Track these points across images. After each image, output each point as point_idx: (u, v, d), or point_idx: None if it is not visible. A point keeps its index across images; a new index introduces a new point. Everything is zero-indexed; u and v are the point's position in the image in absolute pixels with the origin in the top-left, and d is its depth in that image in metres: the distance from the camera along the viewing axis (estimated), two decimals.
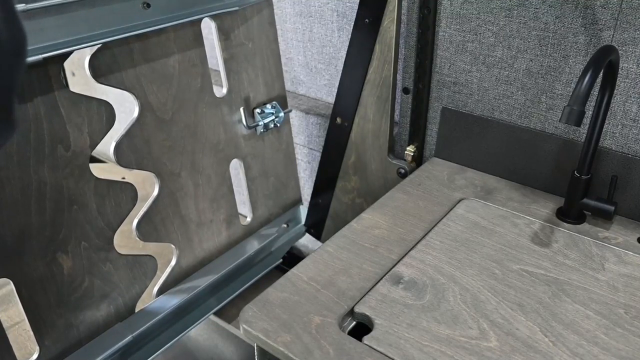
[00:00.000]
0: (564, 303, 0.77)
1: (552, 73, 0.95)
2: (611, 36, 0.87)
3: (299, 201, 1.33)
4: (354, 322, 0.76)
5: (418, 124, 1.15)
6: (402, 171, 1.17)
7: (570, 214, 0.94)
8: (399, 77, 1.14)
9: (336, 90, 1.22)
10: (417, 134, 1.16)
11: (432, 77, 1.09)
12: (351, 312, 0.76)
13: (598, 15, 0.87)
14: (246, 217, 1.19)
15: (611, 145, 0.93)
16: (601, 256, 0.86)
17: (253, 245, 1.19)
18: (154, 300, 1.01)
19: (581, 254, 0.86)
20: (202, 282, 1.07)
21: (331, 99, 1.41)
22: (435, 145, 1.14)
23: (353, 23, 1.12)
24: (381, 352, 0.69)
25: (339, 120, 1.22)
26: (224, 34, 1.03)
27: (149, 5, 0.87)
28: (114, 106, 0.88)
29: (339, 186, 1.32)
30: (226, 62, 1.05)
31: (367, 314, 0.75)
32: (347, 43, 1.19)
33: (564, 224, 0.93)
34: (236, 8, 1.01)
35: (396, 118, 1.22)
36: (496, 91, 1.02)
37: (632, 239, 0.90)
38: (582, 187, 0.92)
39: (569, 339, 0.71)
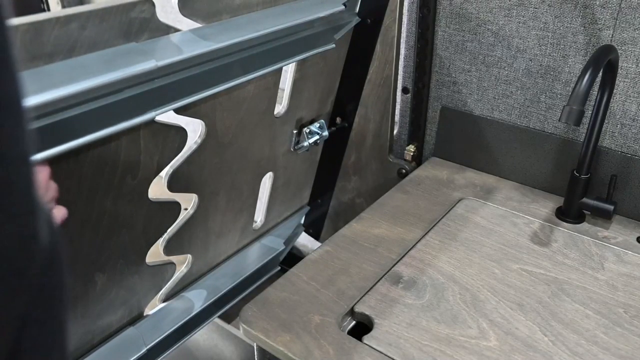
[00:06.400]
0: (563, 302, 0.77)
1: (552, 73, 0.95)
2: (610, 36, 0.87)
3: (306, 205, 1.31)
4: (354, 322, 0.77)
5: (418, 123, 1.15)
6: (403, 171, 1.17)
7: (569, 213, 0.94)
8: (399, 76, 1.14)
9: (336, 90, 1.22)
10: (416, 134, 1.16)
11: (431, 76, 1.09)
12: (351, 312, 0.76)
13: (597, 14, 0.87)
14: (256, 221, 1.16)
15: (610, 144, 0.93)
16: (601, 255, 0.86)
17: (261, 254, 1.17)
18: (162, 305, 0.99)
19: (581, 253, 0.86)
20: (208, 288, 1.06)
21: None
22: (435, 144, 1.14)
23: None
24: (381, 352, 0.69)
25: (339, 120, 1.22)
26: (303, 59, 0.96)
27: None
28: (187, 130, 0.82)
29: (338, 186, 1.32)
30: (295, 82, 0.98)
31: (367, 313, 0.75)
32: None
33: (564, 223, 0.94)
34: (333, 45, 0.96)
35: (396, 118, 1.22)
36: (495, 91, 1.02)
37: (632, 238, 0.90)
38: (582, 186, 0.92)
39: (569, 338, 0.71)
